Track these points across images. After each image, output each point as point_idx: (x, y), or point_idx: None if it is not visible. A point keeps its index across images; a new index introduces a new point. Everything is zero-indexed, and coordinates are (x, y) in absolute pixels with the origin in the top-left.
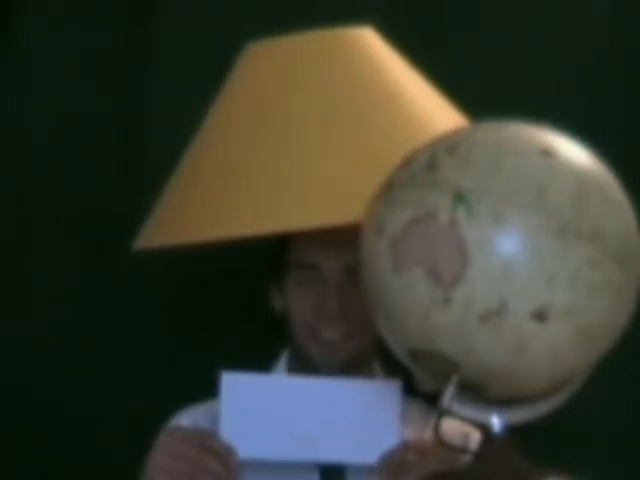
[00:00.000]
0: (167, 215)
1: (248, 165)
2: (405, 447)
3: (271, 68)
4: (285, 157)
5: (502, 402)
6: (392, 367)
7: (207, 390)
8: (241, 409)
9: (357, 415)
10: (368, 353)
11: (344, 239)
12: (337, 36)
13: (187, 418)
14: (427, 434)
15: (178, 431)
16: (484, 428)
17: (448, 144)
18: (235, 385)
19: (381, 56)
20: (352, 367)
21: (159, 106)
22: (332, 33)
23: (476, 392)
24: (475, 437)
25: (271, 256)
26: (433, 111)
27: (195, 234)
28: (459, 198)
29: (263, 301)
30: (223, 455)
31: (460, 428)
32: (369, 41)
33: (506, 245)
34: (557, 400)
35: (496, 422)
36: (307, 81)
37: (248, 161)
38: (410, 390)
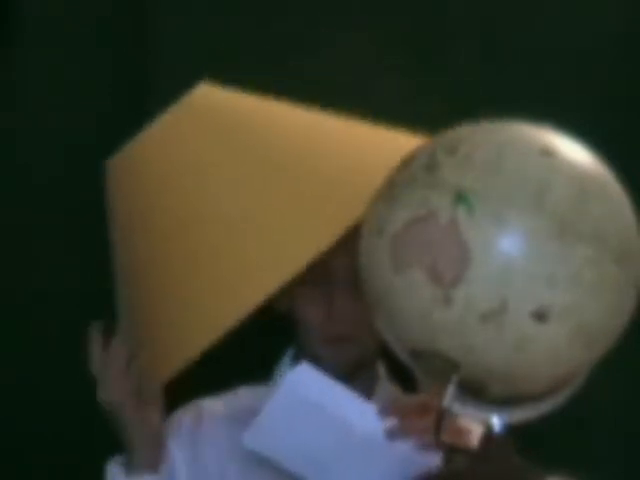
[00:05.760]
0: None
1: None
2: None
3: (132, 181)
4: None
5: (502, 402)
6: (395, 368)
7: (209, 390)
8: (291, 405)
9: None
10: (373, 355)
11: (352, 238)
12: (184, 112)
13: (209, 404)
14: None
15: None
16: (484, 428)
17: (448, 144)
18: (303, 378)
19: (236, 103)
20: (359, 370)
21: (161, 107)
22: (175, 113)
23: (476, 392)
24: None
25: None
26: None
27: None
28: (459, 198)
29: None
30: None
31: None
32: (212, 96)
33: (506, 245)
34: (557, 400)
35: (496, 422)
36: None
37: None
38: (412, 391)
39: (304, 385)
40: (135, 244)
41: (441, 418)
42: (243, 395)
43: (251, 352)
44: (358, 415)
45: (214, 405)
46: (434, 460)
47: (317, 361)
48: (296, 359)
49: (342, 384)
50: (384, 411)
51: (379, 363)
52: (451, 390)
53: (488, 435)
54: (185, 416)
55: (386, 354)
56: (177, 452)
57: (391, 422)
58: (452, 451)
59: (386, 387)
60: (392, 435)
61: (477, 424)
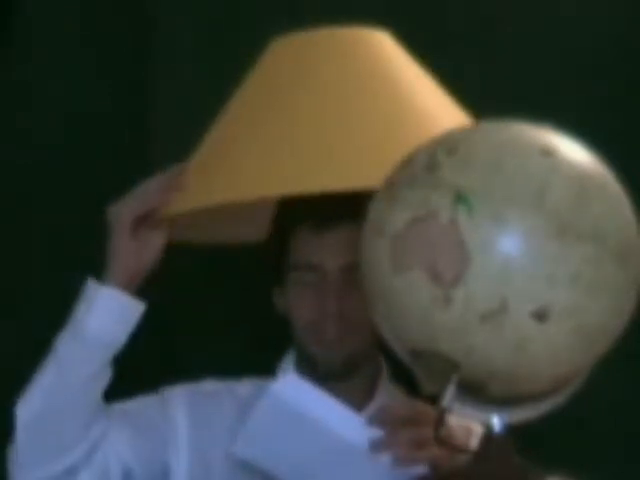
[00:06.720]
0: (194, 182)
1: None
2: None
3: (289, 61)
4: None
5: (502, 402)
6: (397, 367)
7: None
8: (277, 415)
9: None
10: (371, 352)
11: (342, 239)
12: (353, 35)
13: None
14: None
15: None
16: (484, 428)
17: (448, 144)
18: (288, 389)
19: (395, 58)
20: (355, 366)
21: (161, 107)
22: (349, 32)
23: (476, 392)
24: (477, 434)
25: (272, 258)
26: (442, 115)
27: (226, 195)
28: (459, 198)
29: (269, 301)
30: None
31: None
32: (384, 43)
33: (506, 245)
34: (557, 400)
35: (496, 422)
36: (321, 75)
37: (255, 144)
38: (413, 391)
39: (289, 395)
40: (257, 104)
41: (441, 418)
42: (248, 384)
43: (252, 352)
44: (344, 425)
45: (218, 385)
46: (421, 469)
47: (313, 361)
48: (298, 359)
49: (329, 394)
50: (371, 422)
51: (382, 361)
52: (451, 390)
53: (488, 435)
54: (199, 385)
55: (387, 354)
56: (181, 415)
57: (376, 434)
58: (452, 452)
59: (388, 387)
60: (376, 448)
61: (477, 424)
